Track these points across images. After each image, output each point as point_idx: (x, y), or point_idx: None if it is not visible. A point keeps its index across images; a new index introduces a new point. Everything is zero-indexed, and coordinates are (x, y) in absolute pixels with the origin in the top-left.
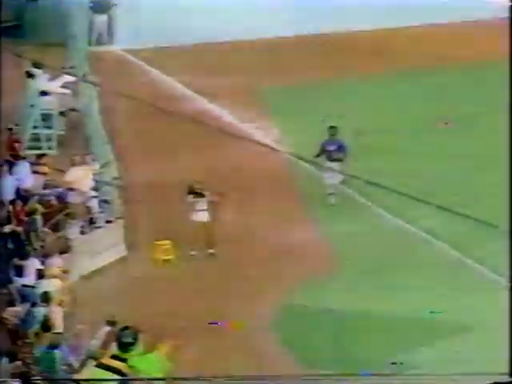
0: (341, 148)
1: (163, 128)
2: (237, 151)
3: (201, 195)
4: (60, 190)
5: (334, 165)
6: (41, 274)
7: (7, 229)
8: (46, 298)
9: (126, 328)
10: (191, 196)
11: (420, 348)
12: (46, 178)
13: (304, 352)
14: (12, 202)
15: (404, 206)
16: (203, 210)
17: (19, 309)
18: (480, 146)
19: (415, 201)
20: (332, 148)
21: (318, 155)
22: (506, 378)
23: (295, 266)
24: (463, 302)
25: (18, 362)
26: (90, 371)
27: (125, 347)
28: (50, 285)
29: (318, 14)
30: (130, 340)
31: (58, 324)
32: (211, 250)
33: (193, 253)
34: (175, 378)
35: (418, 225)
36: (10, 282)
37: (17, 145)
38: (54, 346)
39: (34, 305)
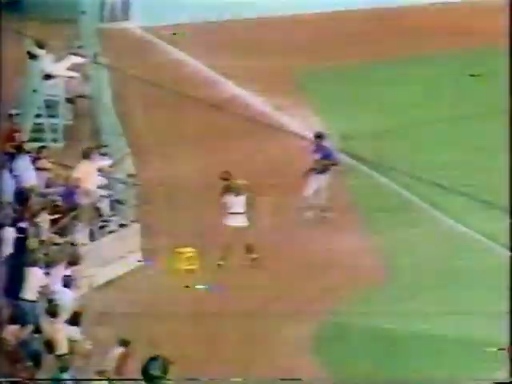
0: (328, 156)
1: (186, 117)
2: (271, 144)
3: (238, 194)
4: (66, 188)
5: (321, 176)
6: (66, 283)
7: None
8: (53, 311)
9: (155, 358)
10: (228, 195)
11: (488, 374)
12: (49, 175)
13: (349, 377)
14: (21, 200)
15: (463, 208)
16: (240, 213)
17: (18, 327)
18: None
19: (477, 202)
20: (318, 157)
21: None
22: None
23: (340, 278)
24: None
25: None
26: None
27: (152, 380)
28: (71, 297)
29: None
30: (158, 373)
31: (62, 344)
32: (254, 255)
33: (221, 263)
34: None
35: (481, 230)
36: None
37: (16, 135)
38: (62, 370)
39: (35, 323)
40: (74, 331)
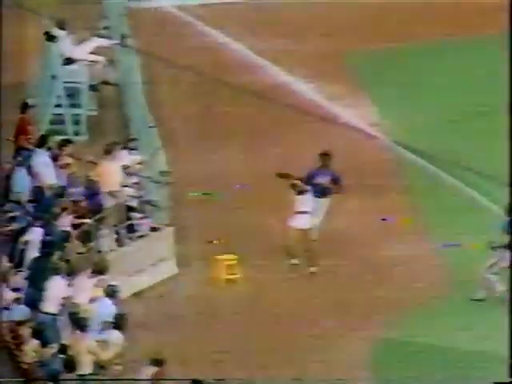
0: (335, 181)
1: (225, 107)
2: (321, 137)
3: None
4: (88, 188)
5: (323, 200)
6: (110, 293)
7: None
8: (82, 325)
9: (198, 382)
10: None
11: None
12: (70, 172)
13: None
14: (38, 200)
15: None
16: (302, 212)
17: (38, 344)
18: None
19: None
20: (323, 180)
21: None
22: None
23: (398, 289)
24: None
25: None
26: None
27: None
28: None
29: None
30: None
31: (87, 363)
32: (312, 269)
33: (294, 261)
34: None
35: None
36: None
37: (30, 128)
38: None
39: (56, 340)
40: (117, 336)
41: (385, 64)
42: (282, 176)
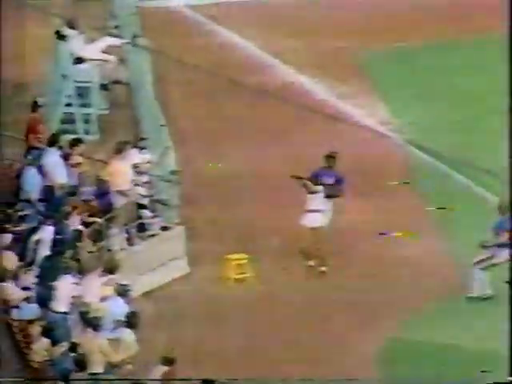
0: (339, 182)
1: (236, 106)
2: (332, 136)
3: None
4: (99, 188)
5: (330, 202)
6: (121, 292)
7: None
8: (96, 324)
9: (209, 382)
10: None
11: None
12: (81, 172)
13: None
14: (49, 199)
15: None
16: (316, 210)
17: (49, 342)
18: None
19: None
20: (330, 181)
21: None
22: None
23: (410, 288)
24: None
25: None
26: None
27: None
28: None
29: None
30: None
31: (98, 361)
32: (323, 268)
33: (311, 263)
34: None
35: None
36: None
37: (40, 127)
38: None
39: (66, 339)
40: (129, 335)
41: (396, 63)
42: (295, 178)
